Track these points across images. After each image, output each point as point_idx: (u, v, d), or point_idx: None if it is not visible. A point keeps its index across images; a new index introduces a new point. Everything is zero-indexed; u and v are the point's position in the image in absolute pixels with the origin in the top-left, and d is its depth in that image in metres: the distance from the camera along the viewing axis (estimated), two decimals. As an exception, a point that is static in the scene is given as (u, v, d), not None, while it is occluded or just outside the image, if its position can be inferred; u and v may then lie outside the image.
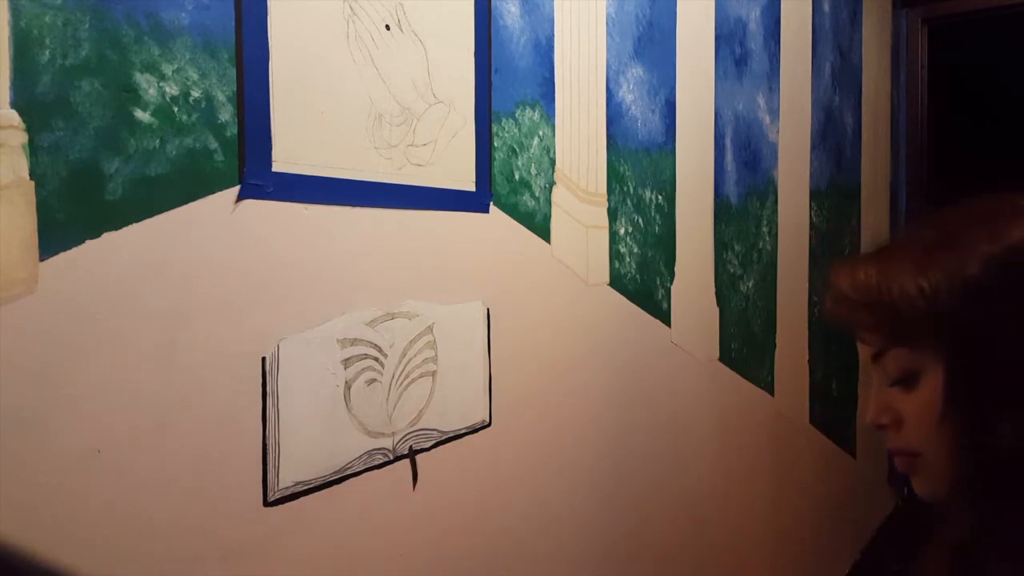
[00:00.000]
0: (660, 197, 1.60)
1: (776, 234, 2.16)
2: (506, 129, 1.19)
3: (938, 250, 0.59)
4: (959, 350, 0.57)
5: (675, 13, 1.64)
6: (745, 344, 1.99)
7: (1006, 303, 0.56)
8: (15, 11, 0.64)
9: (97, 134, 0.70)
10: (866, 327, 0.62)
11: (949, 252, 0.58)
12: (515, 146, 1.21)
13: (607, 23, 1.42)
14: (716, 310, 1.85)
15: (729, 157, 1.89)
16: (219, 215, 0.80)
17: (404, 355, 1.02)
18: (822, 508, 2.52)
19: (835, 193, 2.59)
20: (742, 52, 1.93)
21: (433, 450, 1.07)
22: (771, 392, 2.15)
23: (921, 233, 0.63)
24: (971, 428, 0.57)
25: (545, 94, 1.27)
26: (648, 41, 1.54)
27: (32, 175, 0.65)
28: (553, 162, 1.29)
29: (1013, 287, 0.56)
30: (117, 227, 0.71)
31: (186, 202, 0.77)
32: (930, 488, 0.62)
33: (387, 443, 1.00)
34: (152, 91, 0.74)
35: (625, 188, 1.48)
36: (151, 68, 0.74)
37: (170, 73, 0.75)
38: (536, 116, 1.25)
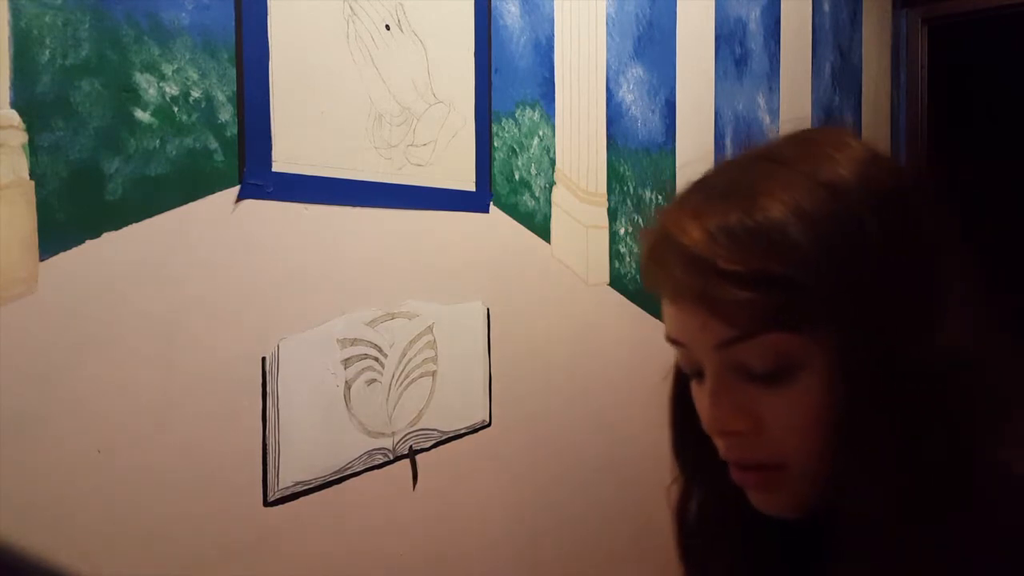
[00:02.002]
0: (660, 197, 1.59)
1: (776, 234, 2.16)
2: (506, 129, 1.19)
3: (812, 185, 0.45)
4: (861, 324, 0.43)
5: (675, 13, 1.64)
6: (745, 344, 1.99)
7: (895, 260, 0.44)
8: (15, 11, 0.64)
9: (97, 134, 0.70)
10: (737, 306, 0.44)
11: (828, 189, 0.45)
12: (515, 146, 1.21)
13: (607, 23, 1.42)
14: (716, 310, 1.85)
15: (729, 157, 1.88)
16: (219, 215, 0.80)
17: (404, 355, 1.02)
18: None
19: (835, 193, 2.58)
20: (742, 52, 1.93)
21: (433, 450, 1.07)
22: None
23: (750, 166, 0.50)
24: (852, 435, 0.44)
25: (545, 94, 1.27)
26: (648, 41, 1.54)
27: (32, 175, 0.65)
28: (553, 162, 1.29)
29: (897, 237, 0.44)
30: (117, 227, 0.71)
31: (186, 202, 0.77)
32: (790, 505, 0.50)
33: (387, 443, 0.99)
34: (152, 91, 0.74)
35: (625, 188, 1.48)
36: (151, 68, 0.74)
37: (170, 73, 0.75)
38: (536, 116, 1.25)
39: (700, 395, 0.51)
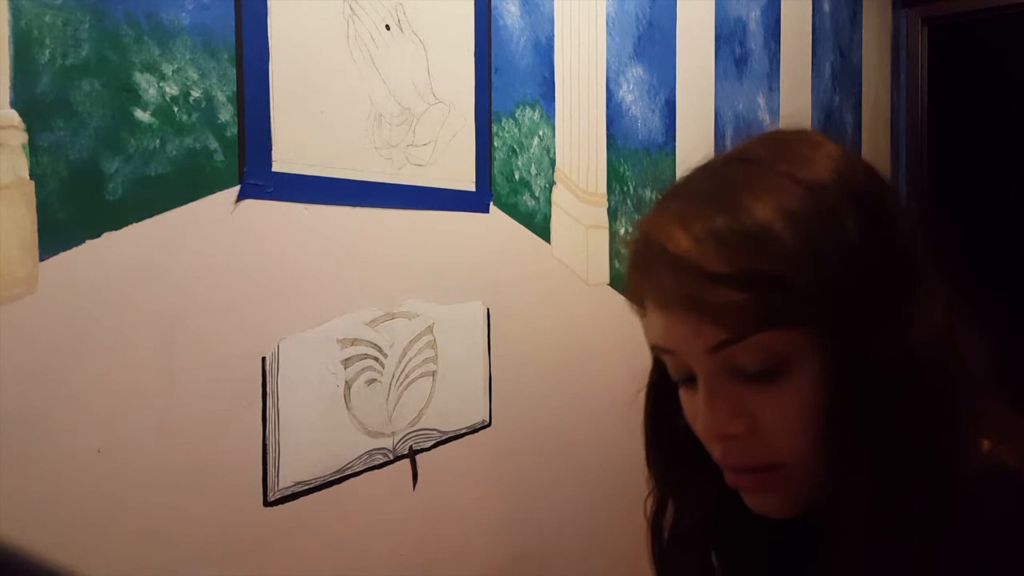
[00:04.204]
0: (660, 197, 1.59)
1: (776, 234, 2.16)
2: (506, 129, 1.19)
3: (796, 186, 0.46)
4: (844, 323, 0.44)
5: (675, 13, 1.64)
6: (745, 344, 1.99)
7: (878, 262, 0.45)
8: (15, 11, 0.64)
9: (97, 134, 0.70)
10: (726, 308, 0.44)
11: (812, 190, 0.45)
12: (515, 146, 1.21)
13: (607, 23, 1.42)
14: (716, 310, 1.85)
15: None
16: (219, 215, 0.80)
17: (404, 355, 1.02)
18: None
19: (835, 193, 2.58)
20: (742, 52, 1.93)
21: (433, 450, 1.07)
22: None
23: (729, 167, 0.50)
24: (844, 435, 0.45)
25: (545, 94, 1.27)
26: (648, 41, 1.54)
27: (32, 175, 0.65)
28: (553, 162, 1.29)
29: (874, 238, 0.45)
30: (117, 227, 0.71)
31: (186, 202, 0.77)
32: (786, 505, 0.50)
33: (387, 443, 0.99)
34: (152, 91, 0.74)
35: (625, 188, 1.48)
36: (151, 68, 0.74)
37: (170, 73, 0.75)
38: (536, 116, 1.25)
39: (690, 401, 0.51)
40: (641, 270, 0.50)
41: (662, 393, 0.57)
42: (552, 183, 1.29)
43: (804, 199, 0.45)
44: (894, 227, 0.47)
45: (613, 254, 1.46)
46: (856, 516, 0.45)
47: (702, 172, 0.52)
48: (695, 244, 0.45)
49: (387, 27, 0.98)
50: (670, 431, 0.56)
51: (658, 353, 0.53)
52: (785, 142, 0.50)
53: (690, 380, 0.50)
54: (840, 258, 0.44)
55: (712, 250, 0.44)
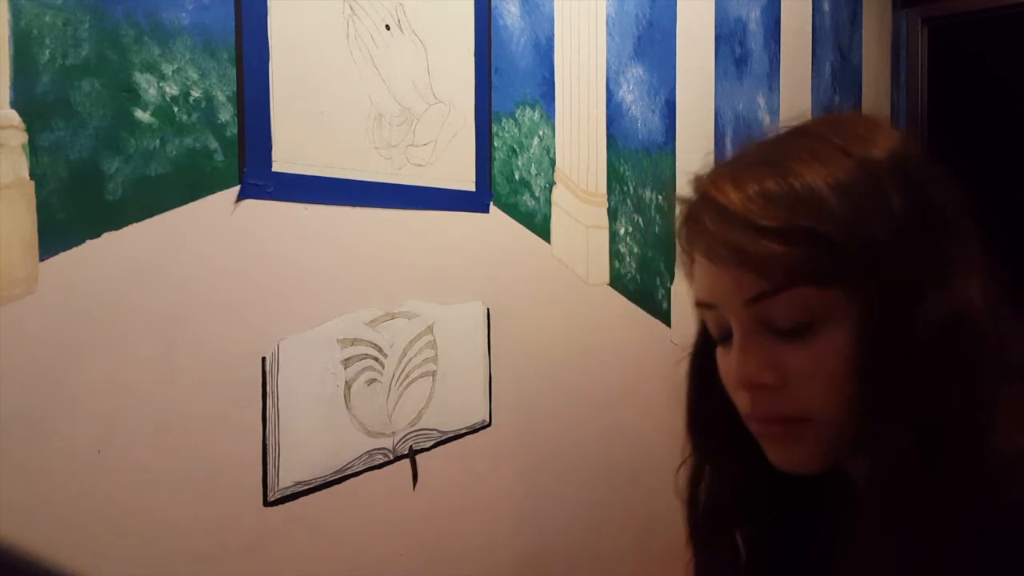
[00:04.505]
0: (660, 197, 1.59)
1: (776, 234, 2.16)
2: (506, 129, 1.19)
3: (848, 157, 0.48)
4: (890, 285, 0.46)
5: (675, 13, 1.64)
6: (745, 344, 1.99)
7: (922, 230, 0.47)
8: (15, 11, 0.64)
9: (97, 134, 0.70)
10: (775, 262, 0.47)
11: (863, 162, 0.48)
12: (515, 146, 1.21)
13: (607, 23, 1.42)
14: (716, 310, 1.85)
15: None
16: (219, 215, 0.80)
17: (404, 355, 1.02)
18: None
19: (835, 193, 2.58)
20: (742, 52, 1.93)
21: (433, 450, 1.07)
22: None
23: (787, 140, 0.53)
24: (882, 390, 0.46)
25: (545, 94, 1.27)
26: (648, 41, 1.54)
27: (32, 175, 0.65)
28: (553, 162, 1.29)
29: (922, 209, 0.47)
30: (117, 227, 0.71)
31: (186, 202, 0.77)
32: (810, 459, 0.51)
33: (387, 443, 0.99)
34: (152, 91, 0.74)
35: (625, 188, 1.48)
36: (151, 68, 0.74)
37: (170, 73, 0.75)
38: (536, 116, 1.25)
39: (726, 357, 0.53)
40: (692, 224, 0.53)
41: (705, 359, 0.58)
42: (552, 183, 1.29)
43: (853, 171, 0.47)
44: (940, 208, 0.49)
45: (613, 254, 1.46)
46: (885, 474, 0.46)
47: (760, 143, 0.54)
48: (745, 200, 0.48)
49: (387, 27, 0.98)
50: (711, 397, 0.57)
51: (701, 312, 0.55)
52: (843, 121, 0.52)
53: (728, 338, 0.52)
54: (882, 227, 0.46)
55: (760, 206, 0.47)
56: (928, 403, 0.45)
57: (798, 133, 0.53)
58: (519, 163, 1.22)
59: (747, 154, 0.54)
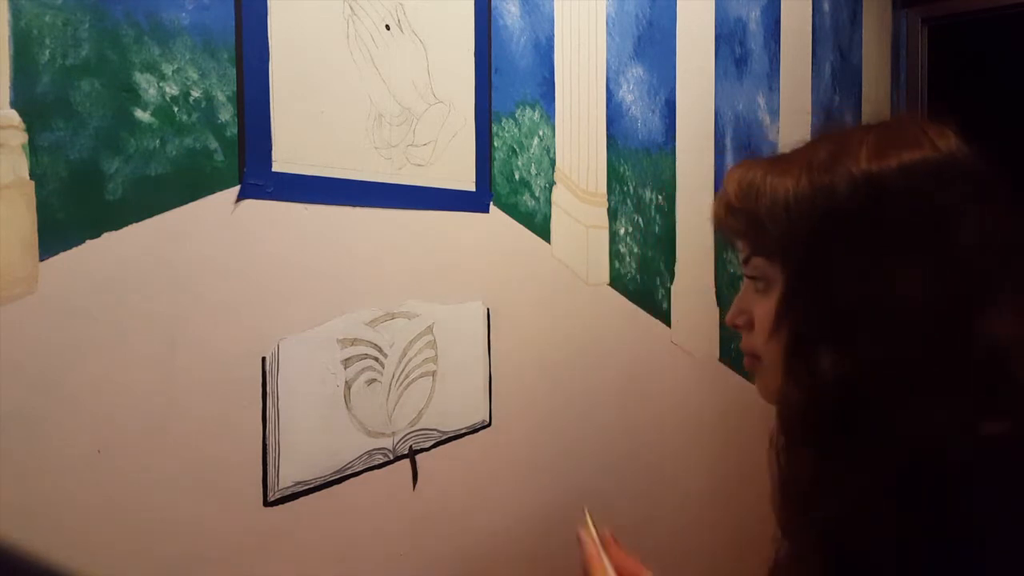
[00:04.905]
0: (660, 197, 1.59)
1: (776, 234, 2.16)
2: (506, 129, 1.19)
3: (823, 164, 0.57)
4: (797, 272, 0.58)
5: (675, 13, 1.64)
6: (745, 344, 1.99)
7: (852, 236, 0.54)
8: (15, 11, 0.64)
9: (97, 134, 0.70)
10: (736, 232, 0.63)
11: (827, 168, 0.56)
12: (515, 146, 1.21)
13: (607, 23, 1.42)
14: (716, 310, 1.85)
15: (729, 157, 1.88)
16: (219, 215, 0.80)
17: (404, 355, 1.02)
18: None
19: (835, 193, 2.58)
20: (742, 52, 1.93)
21: (433, 450, 1.07)
22: (771, 392, 2.14)
23: (823, 142, 0.60)
24: (794, 347, 0.57)
25: (545, 94, 1.27)
26: (648, 41, 1.54)
27: (32, 175, 0.65)
28: (553, 162, 1.29)
29: (864, 219, 0.54)
30: (117, 227, 0.71)
31: (186, 202, 0.77)
32: (765, 391, 0.64)
33: (387, 443, 0.99)
34: (152, 91, 0.74)
35: (625, 188, 1.48)
36: (151, 68, 0.74)
37: (170, 73, 0.75)
38: (536, 116, 1.25)
39: None
40: (715, 201, 0.66)
41: None
42: (552, 183, 1.29)
43: (804, 184, 0.57)
44: (876, 237, 0.56)
45: (613, 254, 1.46)
46: (783, 422, 0.58)
47: (804, 143, 0.64)
48: (735, 187, 0.62)
49: (387, 27, 0.98)
50: None
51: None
52: (844, 141, 0.59)
53: None
54: (810, 228, 0.56)
55: (738, 191, 0.61)
56: (816, 371, 0.55)
57: (826, 138, 0.61)
58: (519, 163, 1.22)
59: (788, 151, 0.64)
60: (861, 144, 0.56)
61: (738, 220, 0.62)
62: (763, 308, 0.61)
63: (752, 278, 0.63)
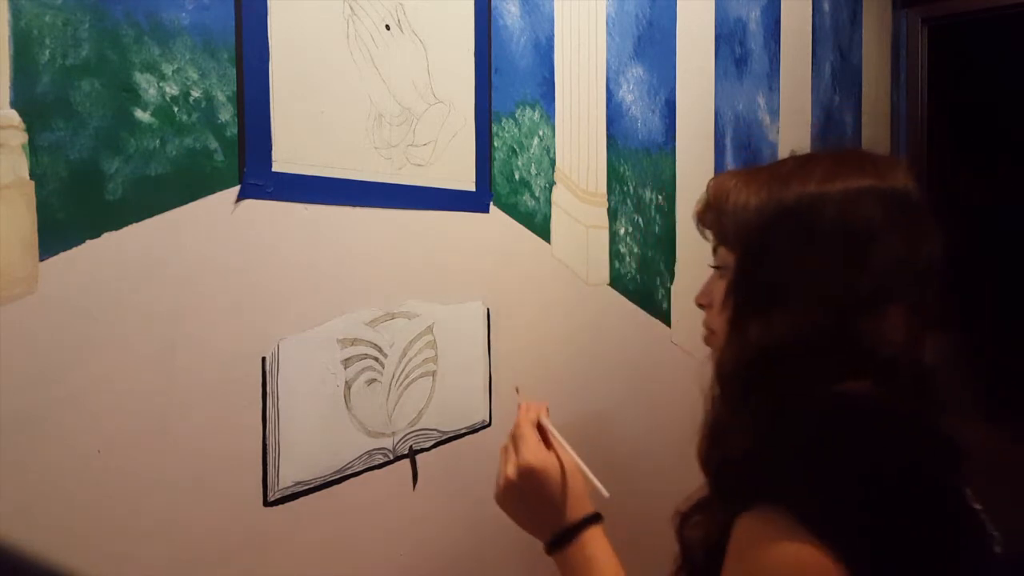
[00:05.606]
0: (660, 197, 1.60)
1: (776, 234, 2.16)
2: (506, 129, 1.19)
3: (782, 177, 0.70)
4: (743, 257, 0.71)
5: (675, 13, 1.64)
6: (745, 344, 1.99)
7: (789, 236, 0.68)
8: (15, 11, 0.64)
9: (97, 134, 0.70)
10: (707, 224, 0.78)
11: (785, 182, 0.69)
12: (515, 146, 1.21)
13: (607, 23, 1.42)
14: (716, 310, 1.85)
15: (729, 157, 1.89)
16: (219, 215, 0.80)
17: (404, 355, 1.02)
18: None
19: (835, 193, 2.58)
20: (742, 52, 1.93)
21: (433, 450, 1.07)
22: (771, 392, 2.14)
23: (791, 161, 0.73)
24: (734, 320, 0.71)
25: (545, 94, 1.27)
26: (648, 41, 1.54)
27: (32, 175, 0.65)
28: (553, 162, 1.29)
29: (801, 225, 0.67)
30: (117, 227, 0.71)
31: (186, 202, 0.77)
32: (715, 360, 0.76)
33: (387, 443, 0.99)
34: (152, 91, 0.74)
35: (625, 188, 1.48)
36: (151, 68, 0.74)
37: (170, 73, 0.75)
38: (536, 116, 1.25)
39: None
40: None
41: None
42: (552, 183, 1.29)
43: (762, 198, 0.70)
44: (793, 242, 0.69)
45: (613, 254, 1.46)
46: (717, 378, 0.73)
47: (799, 156, 0.76)
48: (713, 189, 0.76)
49: (387, 27, 0.98)
50: None
51: None
52: (805, 163, 0.72)
53: None
54: (756, 231, 0.70)
55: (715, 193, 0.75)
56: (754, 341, 0.68)
57: (802, 159, 0.73)
58: (519, 163, 1.22)
59: (773, 162, 0.77)
60: (817, 167, 0.69)
61: (711, 215, 0.76)
62: (719, 289, 0.75)
63: (717, 267, 0.76)
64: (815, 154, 0.74)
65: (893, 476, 0.58)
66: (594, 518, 0.84)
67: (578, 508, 0.83)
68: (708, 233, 0.78)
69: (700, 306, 0.81)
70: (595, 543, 0.82)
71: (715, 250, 0.76)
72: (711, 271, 0.79)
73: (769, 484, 0.60)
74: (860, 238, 0.66)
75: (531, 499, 0.82)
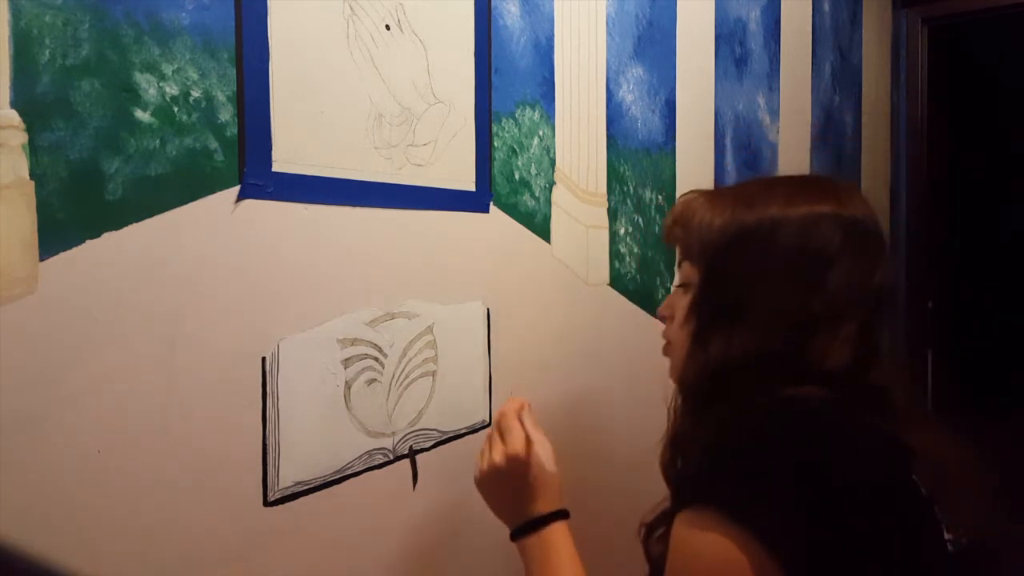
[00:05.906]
0: (660, 197, 1.60)
1: (776, 234, 2.16)
2: (506, 129, 1.19)
3: (746, 199, 0.74)
4: (707, 274, 0.75)
5: (675, 13, 1.64)
6: (745, 344, 1.99)
7: (750, 256, 0.71)
8: (15, 11, 0.64)
9: (97, 134, 0.70)
10: (674, 240, 0.81)
11: (748, 204, 0.73)
12: (515, 146, 1.21)
13: (607, 23, 1.42)
14: (716, 310, 1.85)
15: (729, 157, 1.89)
16: (219, 215, 0.80)
17: (404, 355, 1.02)
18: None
19: (835, 193, 2.58)
20: (742, 52, 1.93)
21: (433, 450, 1.07)
22: (771, 392, 2.14)
23: (755, 184, 0.78)
24: (697, 335, 0.74)
25: (545, 94, 1.27)
26: (648, 41, 1.54)
27: (32, 175, 0.65)
28: (553, 162, 1.29)
29: (762, 246, 0.71)
30: (117, 227, 0.71)
31: (186, 202, 0.77)
32: (672, 371, 0.82)
33: (387, 443, 1.00)
34: (152, 91, 0.74)
35: (625, 188, 1.48)
36: (151, 68, 0.74)
37: (170, 73, 0.75)
38: (536, 116, 1.25)
39: None
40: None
41: None
42: (552, 183, 1.29)
43: (726, 218, 0.74)
44: (757, 264, 0.73)
45: (613, 254, 1.46)
46: (680, 390, 0.79)
47: (755, 181, 0.81)
48: (681, 206, 0.80)
49: (387, 27, 0.98)
50: None
51: None
52: (770, 186, 0.77)
53: None
54: (717, 252, 0.74)
55: (683, 210, 0.79)
56: (714, 353, 0.72)
57: (767, 183, 0.78)
58: (519, 163, 1.22)
59: (742, 183, 0.82)
60: (779, 191, 0.73)
61: (677, 231, 0.79)
62: (682, 303, 0.78)
63: (681, 284, 0.79)
64: (779, 178, 0.79)
65: (826, 467, 0.60)
66: (562, 514, 0.87)
67: (549, 502, 0.86)
68: (675, 248, 0.82)
69: (661, 318, 0.84)
70: (558, 536, 0.85)
71: (679, 264, 0.79)
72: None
73: (705, 483, 0.63)
74: (818, 261, 0.69)
75: (510, 486, 0.86)
